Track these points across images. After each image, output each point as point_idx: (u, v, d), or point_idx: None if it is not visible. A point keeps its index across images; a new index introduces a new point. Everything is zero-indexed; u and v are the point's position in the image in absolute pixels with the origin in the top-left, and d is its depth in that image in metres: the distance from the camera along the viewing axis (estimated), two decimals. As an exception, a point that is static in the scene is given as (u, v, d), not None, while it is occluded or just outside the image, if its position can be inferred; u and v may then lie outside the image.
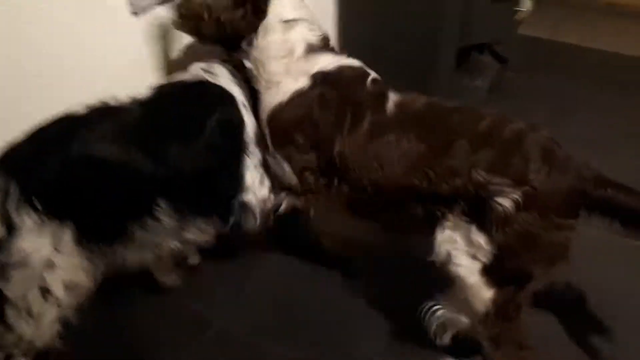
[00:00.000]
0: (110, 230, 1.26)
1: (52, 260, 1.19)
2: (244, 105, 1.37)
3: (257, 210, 1.40)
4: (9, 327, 1.22)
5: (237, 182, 1.36)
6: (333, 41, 1.44)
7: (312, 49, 1.33)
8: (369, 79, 1.32)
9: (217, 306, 1.56)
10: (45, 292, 1.22)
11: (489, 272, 1.17)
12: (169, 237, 1.33)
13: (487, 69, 2.52)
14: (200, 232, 1.37)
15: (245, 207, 1.38)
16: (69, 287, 1.24)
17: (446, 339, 1.34)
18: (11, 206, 1.13)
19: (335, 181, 1.30)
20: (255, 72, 1.36)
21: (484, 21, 2.19)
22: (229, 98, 1.35)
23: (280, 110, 1.32)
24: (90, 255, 1.25)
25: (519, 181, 1.10)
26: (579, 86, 2.57)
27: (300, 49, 1.32)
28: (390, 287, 1.60)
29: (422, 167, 1.17)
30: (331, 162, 1.27)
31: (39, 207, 1.14)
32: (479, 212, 1.14)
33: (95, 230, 1.23)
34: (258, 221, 1.41)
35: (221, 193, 1.36)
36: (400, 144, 1.20)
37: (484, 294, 1.19)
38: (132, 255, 1.31)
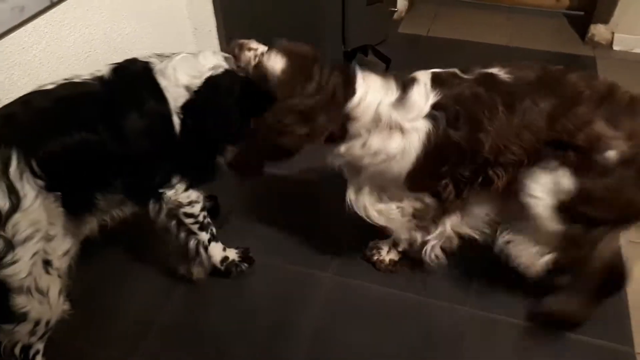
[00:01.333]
0: (86, 200, 1.36)
1: (50, 232, 1.26)
2: None
3: (169, 206, 1.51)
4: (21, 317, 1.25)
5: (166, 178, 1.47)
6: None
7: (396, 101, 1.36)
8: (456, 76, 1.38)
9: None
10: (47, 264, 1.28)
11: (563, 211, 1.33)
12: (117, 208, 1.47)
13: (373, 70, 2.58)
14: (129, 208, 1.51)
15: (163, 198, 1.49)
16: (64, 255, 1.32)
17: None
18: (14, 175, 1.16)
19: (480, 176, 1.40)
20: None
21: (362, 25, 2.24)
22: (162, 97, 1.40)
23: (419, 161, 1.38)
24: (75, 223, 1.35)
25: (629, 136, 1.25)
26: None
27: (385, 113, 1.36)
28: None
29: (560, 118, 1.28)
30: (481, 162, 1.36)
31: (40, 173, 1.20)
32: (581, 164, 1.28)
33: (76, 200, 1.32)
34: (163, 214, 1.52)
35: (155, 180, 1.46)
36: (538, 103, 1.29)
37: (553, 227, 1.36)
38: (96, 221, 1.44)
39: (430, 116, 1.34)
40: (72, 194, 1.30)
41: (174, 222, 1.57)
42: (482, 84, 1.35)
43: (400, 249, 1.74)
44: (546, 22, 3.23)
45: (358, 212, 1.56)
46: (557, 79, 1.34)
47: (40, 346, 1.35)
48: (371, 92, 1.36)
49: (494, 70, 1.38)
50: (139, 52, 1.55)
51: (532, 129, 1.31)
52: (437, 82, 1.37)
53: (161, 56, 1.45)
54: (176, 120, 1.41)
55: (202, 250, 1.64)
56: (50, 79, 1.43)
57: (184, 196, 1.51)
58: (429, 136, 1.35)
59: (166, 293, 1.73)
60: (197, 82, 1.40)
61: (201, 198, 1.57)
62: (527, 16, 3.29)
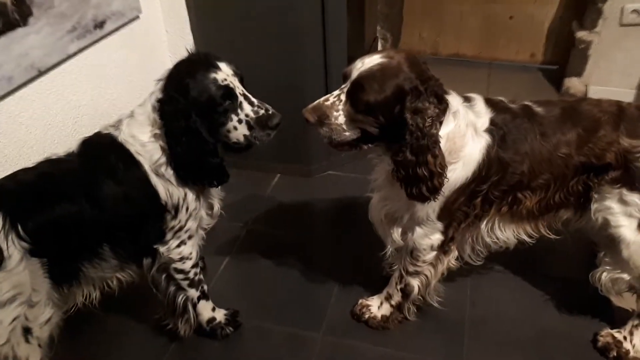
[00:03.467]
0: (71, 269, 1.36)
1: (33, 298, 1.25)
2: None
3: (161, 261, 1.52)
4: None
5: (158, 236, 1.48)
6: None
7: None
8: (502, 102, 1.50)
9: None
10: (27, 332, 1.26)
11: None
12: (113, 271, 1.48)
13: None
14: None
15: (156, 254, 1.51)
16: (46, 324, 1.29)
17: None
18: (0, 236, 1.19)
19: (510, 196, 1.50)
20: None
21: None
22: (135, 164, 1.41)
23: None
24: (60, 292, 1.34)
25: None
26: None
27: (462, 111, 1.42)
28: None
29: (586, 145, 1.44)
30: (513, 183, 1.47)
31: (25, 237, 1.21)
32: (626, 177, 1.43)
33: (62, 269, 1.32)
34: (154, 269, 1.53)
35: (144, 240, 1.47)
36: (566, 134, 1.44)
37: None
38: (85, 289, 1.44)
39: (488, 130, 1.41)
40: (57, 262, 1.31)
41: (164, 277, 1.56)
42: (523, 112, 1.47)
43: (393, 302, 1.72)
44: (522, 76, 3.35)
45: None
46: (575, 110, 1.49)
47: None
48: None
49: (529, 103, 1.50)
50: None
51: (562, 155, 1.45)
52: (489, 103, 1.47)
53: (114, 125, 1.46)
54: (154, 179, 1.41)
55: (190, 307, 1.62)
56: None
57: (176, 252, 1.51)
58: (488, 149, 1.41)
59: (157, 354, 1.68)
60: (155, 131, 1.40)
61: (195, 255, 1.56)
62: (505, 71, 3.40)
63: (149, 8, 2.18)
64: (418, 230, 1.51)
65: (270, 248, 2.09)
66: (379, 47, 2.98)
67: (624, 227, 1.47)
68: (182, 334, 1.66)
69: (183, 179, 1.42)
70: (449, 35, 3.52)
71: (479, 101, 1.46)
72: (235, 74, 1.40)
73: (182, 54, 1.44)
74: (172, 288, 1.59)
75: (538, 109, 1.48)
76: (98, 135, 1.45)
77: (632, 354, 1.59)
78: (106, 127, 1.46)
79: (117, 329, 1.77)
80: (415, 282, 1.63)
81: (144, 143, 1.40)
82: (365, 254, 1.92)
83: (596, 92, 3.06)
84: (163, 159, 1.40)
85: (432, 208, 1.45)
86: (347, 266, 1.97)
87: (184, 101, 1.33)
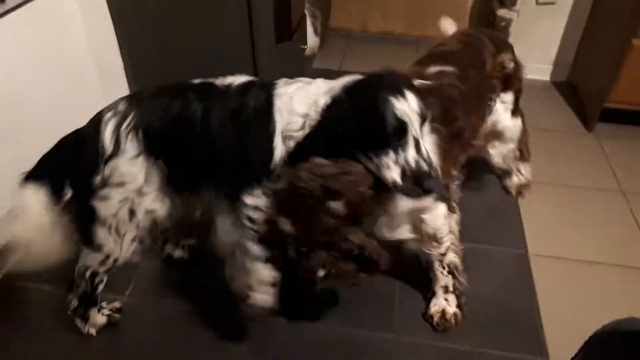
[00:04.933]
0: (188, 182, 1.45)
1: (143, 189, 1.43)
2: None
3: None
4: (97, 248, 1.48)
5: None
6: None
7: None
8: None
9: None
10: (131, 213, 1.45)
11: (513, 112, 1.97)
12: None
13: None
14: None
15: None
16: (149, 214, 1.47)
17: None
18: (124, 131, 1.37)
19: None
20: None
21: (273, 63, 2.26)
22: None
23: None
24: (171, 195, 1.46)
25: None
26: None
27: None
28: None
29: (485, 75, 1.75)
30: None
31: (140, 137, 1.37)
32: (502, 83, 1.84)
33: (178, 178, 1.43)
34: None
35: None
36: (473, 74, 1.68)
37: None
38: (198, 210, 1.52)
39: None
40: (173, 168, 1.42)
41: None
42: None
43: (451, 288, 1.70)
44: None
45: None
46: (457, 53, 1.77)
47: (105, 277, 1.58)
48: None
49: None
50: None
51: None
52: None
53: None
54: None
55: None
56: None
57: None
58: None
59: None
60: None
61: None
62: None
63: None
64: (425, 216, 1.51)
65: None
66: (308, 25, 2.95)
67: (505, 120, 1.94)
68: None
69: None
70: (377, 12, 3.54)
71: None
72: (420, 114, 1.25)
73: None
74: None
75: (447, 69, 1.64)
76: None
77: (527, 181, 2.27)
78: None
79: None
80: (452, 256, 1.64)
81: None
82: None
83: (516, 68, 3.20)
84: None
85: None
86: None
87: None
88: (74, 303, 1.62)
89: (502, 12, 3.01)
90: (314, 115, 1.30)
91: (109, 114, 1.40)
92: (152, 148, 1.39)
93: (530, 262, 1.95)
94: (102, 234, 1.45)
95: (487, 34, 1.87)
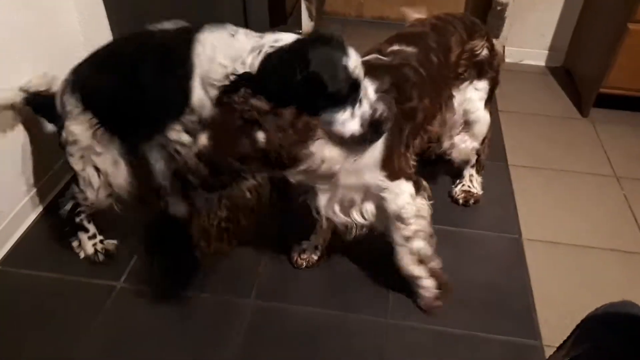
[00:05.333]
0: (127, 132, 1.59)
1: (94, 147, 1.60)
2: None
3: None
4: (80, 190, 1.71)
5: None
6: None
7: None
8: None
9: None
10: (97, 170, 1.65)
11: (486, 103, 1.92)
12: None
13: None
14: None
15: None
16: (112, 173, 1.65)
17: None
18: (67, 95, 1.56)
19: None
20: None
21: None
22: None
23: None
24: (122, 149, 1.63)
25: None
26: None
27: None
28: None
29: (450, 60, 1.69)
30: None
31: (77, 97, 1.54)
32: (475, 70, 1.82)
33: (118, 129, 1.59)
34: None
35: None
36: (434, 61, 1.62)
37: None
38: (154, 159, 1.62)
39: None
40: (111, 120, 1.57)
41: None
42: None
43: (427, 276, 1.66)
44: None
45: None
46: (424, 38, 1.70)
47: (86, 211, 1.80)
48: None
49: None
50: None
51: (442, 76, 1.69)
52: None
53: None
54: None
55: None
56: None
57: None
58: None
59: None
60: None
61: None
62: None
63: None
64: (386, 195, 1.48)
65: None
66: (302, 9, 2.92)
67: (479, 109, 1.89)
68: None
69: None
70: (373, -3, 3.52)
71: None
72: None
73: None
74: None
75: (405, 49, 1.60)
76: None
77: (476, 192, 2.16)
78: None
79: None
80: (420, 243, 1.59)
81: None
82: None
83: (512, 53, 3.19)
84: None
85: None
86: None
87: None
88: (63, 213, 1.84)
89: (498, -4, 2.99)
90: (240, 70, 1.29)
91: (60, 82, 1.60)
92: (88, 104, 1.54)
93: (524, 247, 1.96)
94: (80, 182, 1.68)
95: (462, 20, 1.79)
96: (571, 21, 3.04)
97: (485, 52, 1.80)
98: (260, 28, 2.14)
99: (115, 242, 1.90)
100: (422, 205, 1.57)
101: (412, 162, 1.55)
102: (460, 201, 2.15)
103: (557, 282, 1.84)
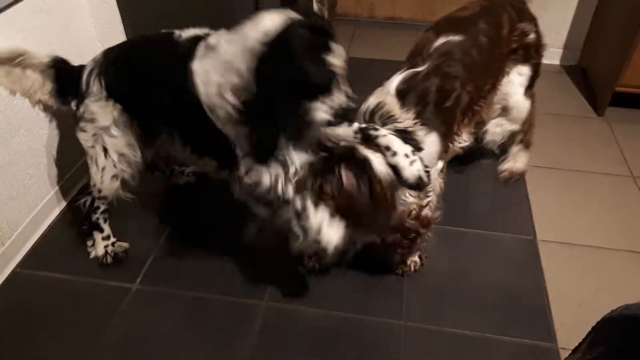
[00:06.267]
0: (151, 123, 1.65)
1: (111, 130, 1.67)
2: None
3: None
4: (90, 176, 1.77)
5: None
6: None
7: None
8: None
9: None
10: (105, 151, 1.70)
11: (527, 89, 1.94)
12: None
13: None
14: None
15: None
16: (121, 155, 1.71)
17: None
18: (93, 76, 1.64)
19: None
20: None
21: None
22: None
23: None
24: (138, 136, 1.70)
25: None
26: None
27: None
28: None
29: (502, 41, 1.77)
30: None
31: (103, 84, 1.62)
32: (522, 54, 1.86)
33: (141, 120, 1.66)
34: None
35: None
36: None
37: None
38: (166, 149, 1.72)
39: None
40: (130, 112, 1.64)
41: None
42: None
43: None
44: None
45: None
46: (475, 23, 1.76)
47: (100, 206, 1.84)
48: None
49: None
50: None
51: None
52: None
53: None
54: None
55: None
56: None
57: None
58: None
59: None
60: None
61: None
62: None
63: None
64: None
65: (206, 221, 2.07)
66: (315, 9, 2.92)
67: (518, 94, 1.91)
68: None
69: None
70: (385, -3, 3.51)
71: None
72: None
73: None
74: None
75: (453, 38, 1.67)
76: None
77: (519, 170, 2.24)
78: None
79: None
80: (428, 211, 1.65)
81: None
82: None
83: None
84: None
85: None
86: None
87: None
88: (84, 209, 1.86)
89: (511, -5, 2.96)
90: (237, 81, 1.32)
91: (90, 62, 1.67)
92: (110, 93, 1.62)
93: (539, 248, 1.94)
94: (88, 161, 1.73)
95: (511, 2, 1.85)
96: (586, 19, 3.01)
97: (533, 35, 1.85)
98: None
99: (127, 245, 1.92)
100: (439, 182, 1.72)
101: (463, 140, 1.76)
102: (504, 177, 2.24)
103: (573, 284, 1.82)
